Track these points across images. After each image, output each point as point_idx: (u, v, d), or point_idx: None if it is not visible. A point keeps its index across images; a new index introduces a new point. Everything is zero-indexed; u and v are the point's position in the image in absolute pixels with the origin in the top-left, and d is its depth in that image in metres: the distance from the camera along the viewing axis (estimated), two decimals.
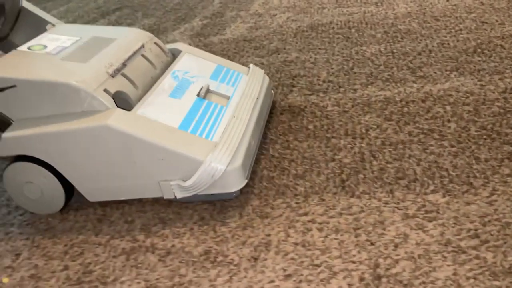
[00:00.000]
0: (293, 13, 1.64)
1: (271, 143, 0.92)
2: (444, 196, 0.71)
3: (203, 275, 0.66)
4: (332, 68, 1.17)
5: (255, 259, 0.67)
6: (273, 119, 1.00)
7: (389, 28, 1.32)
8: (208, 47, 1.50)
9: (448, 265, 0.59)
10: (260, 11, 1.75)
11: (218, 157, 0.73)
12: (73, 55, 0.84)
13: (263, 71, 1.04)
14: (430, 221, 0.67)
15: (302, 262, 0.65)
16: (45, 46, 0.87)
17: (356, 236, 0.67)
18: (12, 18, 0.98)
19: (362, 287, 0.59)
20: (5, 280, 0.69)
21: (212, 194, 0.76)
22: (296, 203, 0.76)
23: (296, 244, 0.68)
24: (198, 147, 0.75)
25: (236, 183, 0.75)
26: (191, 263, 0.68)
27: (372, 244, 0.65)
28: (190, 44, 1.56)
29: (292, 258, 0.65)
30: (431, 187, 0.73)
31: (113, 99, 0.78)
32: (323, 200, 0.75)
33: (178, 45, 1.04)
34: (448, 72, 1.04)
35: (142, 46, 0.92)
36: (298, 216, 0.73)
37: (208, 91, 0.89)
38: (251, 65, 1.04)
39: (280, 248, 0.68)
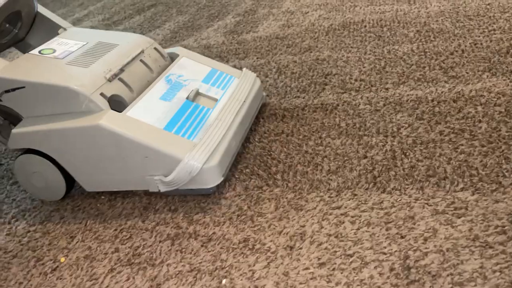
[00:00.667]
0: (325, 10, 1.67)
1: (304, 139, 0.97)
2: (473, 194, 0.73)
3: (243, 261, 0.71)
4: (364, 67, 1.20)
5: (291, 247, 0.71)
6: (306, 116, 1.04)
7: (422, 27, 1.34)
8: (241, 45, 1.55)
9: (475, 259, 0.63)
10: (292, 9, 1.78)
11: (195, 156, 0.81)
12: (77, 60, 0.94)
13: (254, 74, 1.10)
14: (459, 217, 0.70)
15: (335, 251, 0.69)
16: (54, 50, 0.98)
17: (387, 230, 0.70)
18: (28, 22, 1.10)
19: (392, 276, 0.63)
20: (62, 259, 0.76)
21: (191, 189, 0.84)
22: (329, 197, 0.80)
23: (330, 235, 0.72)
24: (178, 147, 0.82)
25: (212, 180, 0.83)
26: (231, 249, 0.73)
27: (402, 237, 0.69)
28: (223, 42, 1.61)
29: (326, 248, 0.70)
30: (461, 185, 0.76)
31: (109, 101, 0.87)
32: (355, 195, 0.79)
33: (177, 50, 1.13)
34: (480, 73, 1.05)
35: (142, 51, 1.00)
36: (331, 210, 0.77)
37: (197, 94, 0.96)
38: (244, 69, 1.10)
39: (314, 239, 0.72)
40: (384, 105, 1.02)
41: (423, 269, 0.63)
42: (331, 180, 0.84)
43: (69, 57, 0.95)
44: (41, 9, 1.13)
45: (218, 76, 1.05)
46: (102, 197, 0.92)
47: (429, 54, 1.19)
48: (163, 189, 0.84)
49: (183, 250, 0.75)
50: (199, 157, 0.81)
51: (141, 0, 2.43)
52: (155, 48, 1.05)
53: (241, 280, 0.68)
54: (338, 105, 1.07)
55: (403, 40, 1.30)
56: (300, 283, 0.65)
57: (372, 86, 1.11)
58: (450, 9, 1.43)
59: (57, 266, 0.76)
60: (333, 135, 0.96)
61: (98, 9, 2.46)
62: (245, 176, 0.90)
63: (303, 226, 0.75)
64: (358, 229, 0.72)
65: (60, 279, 0.74)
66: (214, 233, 0.77)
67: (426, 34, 1.30)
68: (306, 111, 1.07)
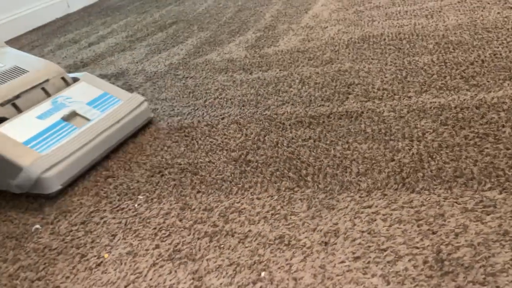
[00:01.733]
0: (343, 25, 1.73)
1: (332, 144, 1.01)
2: (500, 193, 0.76)
3: (280, 255, 0.74)
4: (385, 77, 1.24)
5: (326, 243, 0.75)
6: (332, 123, 1.08)
7: (441, 40, 1.38)
8: (263, 58, 1.61)
9: (506, 252, 0.65)
10: (311, 24, 1.84)
11: (36, 165, 0.98)
12: None
13: (142, 98, 1.24)
14: (488, 214, 0.73)
15: (369, 246, 0.72)
16: None
17: (418, 226, 0.73)
18: None
19: (426, 268, 0.66)
20: (106, 255, 0.80)
21: (36, 193, 1.02)
22: (360, 197, 0.83)
23: (363, 231, 0.75)
24: (25, 157, 0.99)
25: (50, 187, 1.00)
26: (267, 245, 0.77)
27: (434, 233, 0.71)
28: (246, 56, 1.67)
29: (360, 243, 0.73)
30: (488, 185, 0.79)
31: None
32: (385, 195, 0.82)
33: (81, 75, 1.28)
34: (501, 81, 1.09)
35: (47, 80, 1.19)
36: (362, 208, 0.80)
37: (74, 114, 1.13)
38: (133, 93, 1.25)
39: (347, 235, 0.75)
40: (408, 112, 1.06)
41: (456, 261, 0.66)
42: (361, 181, 0.87)
43: None
44: None
45: (106, 99, 1.20)
46: (140, 197, 0.96)
47: (450, 64, 1.23)
48: (17, 191, 1.03)
49: (222, 246, 0.79)
50: (39, 166, 0.98)
51: (162, 18, 2.52)
52: (62, 78, 1.23)
53: (279, 273, 0.71)
54: (362, 112, 1.11)
55: (423, 52, 1.34)
56: (337, 275, 0.68)
57: (394, 94, 1.15)
58: (467, 22, 1.47)
59: (101, 262, 0.80)
60: (359, 140, 1.00)
61: (121, 27, 2.55)
62: (276, 178, 0.94)
63: (336, 224, 0.78)
64: (390, 226, 0.75)
65: (105, 273, 0.77)
66: (250, 230, 0.81)
67: (445, 46, 1.34)
68: (332, 118, 1.11)
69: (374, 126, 1.04)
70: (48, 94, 1.18)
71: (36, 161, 0.98)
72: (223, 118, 1.23)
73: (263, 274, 0.72)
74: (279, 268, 0.72)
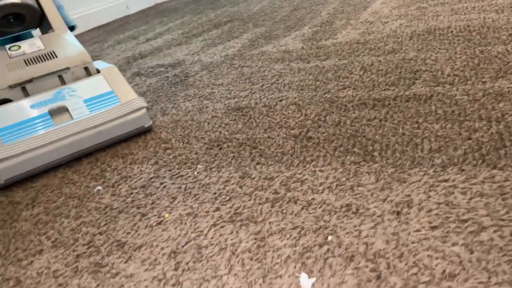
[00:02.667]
0: (405, 20, 1.67)
1: (399, 124, 0.95)
2: None
3: (347, 222, 0.70)
4: (456, 64, 1.18)
5: (398, 213, 0.70)
6: (398, 105, 1.03)
7: None
8: (321, 49, 1.58)
9: None
10: (370, 20, 1.80)
11: None
12: (15, 62, 1.14)
13: (142, 104, 1.14)
14: None
15: (447, 217, 0.66)
16: (19, 47, 1.18)
17: (503, 200, 0.67)
18: (33, 23, 1.28)
19: None
20: (166, 215, 0.79)
21: None
22: (434, 171, 0.78)
23: (439, 203, 0.70)
24: None
25: None
26: (333, 212, 0.73)
27: None
28: (303, 47, 1.65)
29: (437, 214, 0.68)
30: None
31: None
32: (463, 170, 0.76)
33: (106, 67, 1.23)
34: None
35: (66, 68, 1.18)
36: (438, 182, 0.75)
37: (62, 109, 1.09)
38: (138, 97, 1.15)
39: (422, 206, 0.70)
40: (484, 95, 0.99)
41: None
42: (434, 157, 0.81)
43: (17, 58, 1.15)
44: (48, 9, 1.31)
45: (107, 98, 1.13)
46: (199, 166, 0.95)
47: None
48: None
49: (284, 211, 0.75)
50: None
51: (217, 17, 2.56)
52: (85, 68, 1.20)
53: (348, 238, 0.66)
54: (432, 95, 1.05)
55: (495, 42, 1.27)
56: (413, 242, 0.63)
57: (467, 80, 1.08)
58: None
59: (162, 221, 0.78)
60: (430, 120, 0.94)
61: (177, 25, 2.61)
62: (339, 153, 0.89)
63: (409, 196, 0.73)
64: (470, 199, 0.69)
65: (166, 230, 0.76)
66: (313, 199, 0.77)
67: None
68: (398, 101, 1.06)
69: (446, 108, 0.98)
70: (63, 83, 1.16)
71: None
72: (281, 100, 1.21)
73: (330, 237, 0.68)
74: (347, 233, 0.68)
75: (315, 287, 0.59)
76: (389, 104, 1.05)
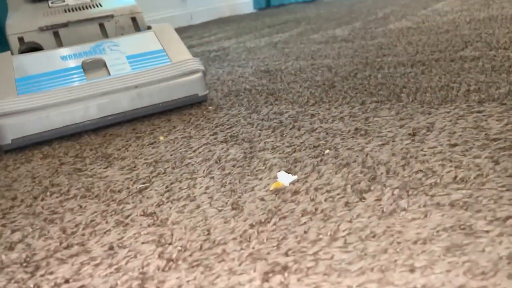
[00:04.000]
0: (466, 12, 1.55)
1: (437, 74, 0.84)
2: None
3: (351, 141, 0.60)
4: None
5: (413, 134, 0.59)
6: (440, 64, 0.91)
7: None
8: (368, 34, 1.49)
9: None
10: (427, 14, 1.70)
11: None
12: (52, 11, 0.99)
13: (198, 67, 0.91)
14: None
15: (474, 137, 0.54)
16: (64, 1, 1.03)
17: None
18: None
19: None
20: (161, 138, 0.73)
21: None
22: (468, 105, 0.65)
23: (466, 128, 0.58)
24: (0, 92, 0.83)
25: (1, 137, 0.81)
26: (338, 135, 0.63)
27: None
28: (349, 34, 1.57)
29: (461, 135, 0.55)
30: None
31: (25, 45, 0.95)
32: (503, 104, 0.63)
33: (159, 25, 1.04)
34: None
35: (110, 16, 1.00)
36: (470, 113, 0.62)
37: (100, 64, 0.89)
38: (194, 58, 0.93)
39: (444, 129, 0.58)
40: None
41: None
42: (471, 96, 0.69)
43: (57, 7, 1.01)
44: None
45: (155, 56, 0.93)
46: (210, 107, 0.89)
47: None
48: None
49: (284, 134, 0.67)
50: None
51: (272, 22, 2.57)
52: (132, 18, 1.02)
53: (348, 151, 0.57)
54: (481, 56, 0.91)
55: None
56: (424, 155, 0.52)
57: None
58: None
59: (155, 142, 0.73)
60: (474, 72, 0.82)
61: (233, 28, 2.64)
62: (362, 95, 0.79)
63: (432, 123, 0.61)
64: (506, 124, 0.56)
65: (155, 148, 0.70)
66: (320, 126, 0.68)
67: None
68: (441, 61, 0.94)
69: (495, 63, 0.85)
70: (105, 36, 0.99)
71: None
72: (312, 65, 1.13)
73: (327, 151, 0.58)
74: (348, 148, 0.58)
75: (296, 186, 0.49)
76: (429, 64, 0.94)
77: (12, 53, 0.92)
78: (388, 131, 0.61)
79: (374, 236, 0.38)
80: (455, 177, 0.46)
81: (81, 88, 0.84)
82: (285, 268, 0.35)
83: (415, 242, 0.36)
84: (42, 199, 0.57)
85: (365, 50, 1.20)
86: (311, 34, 1.74)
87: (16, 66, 0.88)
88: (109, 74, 0.88)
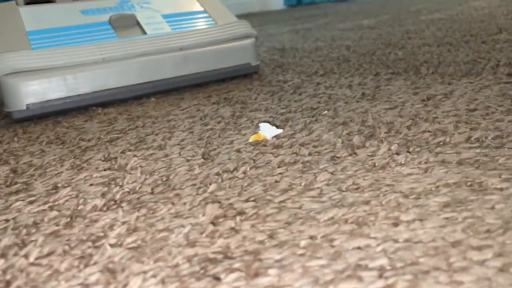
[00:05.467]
0: (505, 8, 1.44)
1: (464, 52, 0.75)
2: None
3: (355, 104, 0.52)
4: None
5: (427, 99, 0.51)
6: (469, 44, 0.83)
7: None
8: (395, 23, 1.41)
9: None
10: (462, 9, 1.59)
11: (6, 59, 0.62)
12: None
13: (249, 30, 0.78)
14: None
15: (500, 105, 0.46)
16: None
17: None
18: None
19: None
20: (153, 99, 0.68)
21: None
22: (496, 77, 0.57)
23: (491, 96, 0.50)
24: (5, 45, 0.66)
25: (12, 103, 0.62)
26: (342, 99, 0.55)
27: None
28: (376, 23, 1.49)
29: (482, 102, 0.48)
30: None
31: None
32: None
33: None
34: None
35: None
36: (496, 84, 0.54)
37: (131, 21, 0.74)
38: (242, 21, 0.80)
39: (464, 96, 0.50)
40: None
41: None
42: (500, 69, 0.61)
43: None
44: None
45: (197, 17, 0.80)
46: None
47: None
48: None
49: (283, 99, 0.60)
50: (7, 63, 0.62)
51: (313, 12, 2.50)
52: None
53: (348, 112, 0.49)
54: None
55: None
56: (436, 117, 0.44)
57: None
58: None
59: (145, 102, 0.68)
60: (506, 51, 0.73)
61: (271, 20, 2.60)
62: (377, 67, 0.72)
63: (451, 92, 0.54)
64: None
65: (144, 107, 0.65)
66: (324, 92, 0.60)
67: None
68: (471, 42, 0.85)
69: None
70: None
71: (10, 53, 0.63)
72: (331, 45, 1.06)
73: (325, 112, 0.51)
74: (349, 110, 0.51)
75: (279, 140, 0.42)
76: (458, 44, 0.85)
77: (17, 3, 0.79)
78: (399, 97, 0.54)
79: (357, 188, 0.31)
80: (469, 137, 0.38)
81: (114, 46, 0.68)
82: (240, 213, 0.29)
83: (406, 196, 0.29)
84: (8, 143, 0.53)
85: (390, 34, 1.12)
86: (337, 23, 1.66)
87: (25, 18, 0.73)
88: (144, 33, 0.74)
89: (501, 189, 0.28)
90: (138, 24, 0.76)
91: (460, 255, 0.22)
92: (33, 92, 0.62)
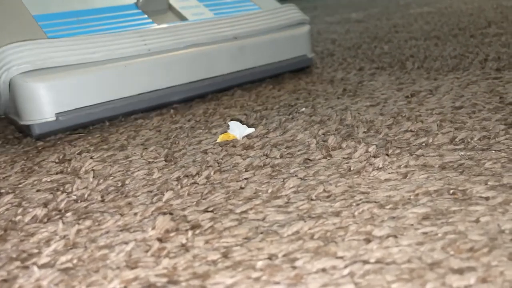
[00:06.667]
0: (495, 3, 1.42)
1: (451, 47, 0.73)
2: None
3: (336, 102, 0.49)
4: None
5: (411, 96, 0.48)
6: (457, 39, 0.80)
7: None
8: (383, 16, 1.38)
9: None
10: (451, 2, 1.57)
11: (14, 51, 0.46)
12: None
13: (303, 15, 0.67)
14: None
15: (487, 102, 0.44)
16: None
17: None
18: None
19: None
20: None
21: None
22: (484, 72, 0.54)
23: (477, 92, 0.47)
24: (11, 33, 0.49)
25: (30, 112, 0.46)
26: (322, 95, 0.52)
27: None
28: (364, 16, 1.46)
29: (468, 99, 0.45)
30: None
31: None
32: None
33: None
34: None
35: None
36: (484, 80, 0.51)
37: (157, 2, 0.60)
38: (283, 6, 0.67)
39: (449, 92, 0.47)
40: None
41: None
42: (488, 64, 0.58)
43: None
44: None
45: (236, 1, 0.67)
46: None
47: None
48: None
49: (260, 94, 0.56)
50: (24, 58, 0.45)
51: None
52: None
53: (328, 109, 0.46)
54: (505, 33, 0.80)
55: None
56: (419, 115, 0.41)
57: None
58: None
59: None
60: (495, 45, 0.70)
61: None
62: (361, 61, 0.69)
63: (436, 87, 0.51)
64: None
65: None
66: (304, 88, 0.57)
67: None
68: (459, 37, 0.82)
69: None
70: None
71: (19, 46, 0.47)
72: (315, 38, 1.03)
73: (303, 109, 0.47)
74: (329, 108, 0.47)
75: (250, 140, 0.39)
76: (445, 38, 0.83)
77: None
78: (382, 94, 0.51)
79: (328, 197, 0.28)
80: (453, 138, 0.35)
81: (157, 34, 0.53)
82: (194, 227, 0.26)
83: (381, 206, 0.26)
84: None
85: (378, 28, 1.09)
86: (325, 17, 1.63)
87: (32, 3, 0.55)
88: (185, 18, 0.60)
89: (487, 198, 0.25)
90: (171, 8, 0.62)
91: (438, 280, 0.19)
92: (65, 97, 0.46)
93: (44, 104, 0.45)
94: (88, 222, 0.27)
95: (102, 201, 0.30)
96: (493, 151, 0.31)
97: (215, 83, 0.57)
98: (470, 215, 0.24)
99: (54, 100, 0.46)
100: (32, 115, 0.45)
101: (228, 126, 0.41)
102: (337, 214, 0.25)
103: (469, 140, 0.34)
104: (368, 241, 0.22)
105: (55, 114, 0.46)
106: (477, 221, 0.23)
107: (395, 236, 0.22)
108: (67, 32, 0.52)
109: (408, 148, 0.34)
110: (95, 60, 0.49)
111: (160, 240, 0.24)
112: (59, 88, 0.46)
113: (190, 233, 0.24)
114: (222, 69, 0.57)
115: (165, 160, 0.37)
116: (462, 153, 0.32)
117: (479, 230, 0.22)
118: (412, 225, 0.23)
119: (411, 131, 0.37)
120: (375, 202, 0.26)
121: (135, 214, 0.28)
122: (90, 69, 0.48)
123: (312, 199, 0.27)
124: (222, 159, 0.36)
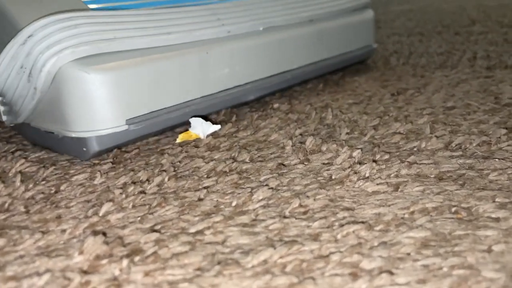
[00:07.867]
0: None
1: (447, 45, 0.69)
2: None
3: (315, 99, 0.44)
4: None
5: (397, 93, 0.44)
6: (459, 33, 0.77)
7: None
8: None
9: None
10: (432, 1, 1.55)
11: (55, 29, 0.31)
12: None
13: (368, 2, 0.60)
14: None
15: (481, 102, 0.39)
16: None
17: None
18: None
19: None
20: None
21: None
22: (474, 71, 0.50)
23: (469, 91, 0.43)
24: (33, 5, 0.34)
25: (79, 122, 0.31)
26: (299, 92, 0.48)
27: None
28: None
29: (461, 98, 0.41)
30: None
31: None
32: None
33: None
34: None
35: None
36: (475, 78, 0.47)
37: None
38: None
39: (439, 90, 0.43)
40: None
41: None
42: (479, 62, 0.55)
43: None
44: None
45: None
46: None
47: None
48: None
49: None
50: (72, 34, 0.31)
51: None
52: None
53: (306, 106, 0.41)
54: None
55: None
56: (408, 116, 0.37)
57: None
58: None
59: None
60: (496, 44, 0.67)
61: None
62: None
63: (425, 85, 0.47)
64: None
65: None
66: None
67: None
68: (460, 33, 0.80)
69: (506, 36, 0.70)
70: None
71: (71, 17, 0.32)
72: None
73: (276, 105, 0.42)
74: (307, 105, 0.42)
75: (216, 140, 0.34)
76: (429, 35, 0.79)
77: None
78: (365, 90, 0.46)
79: (305, 213, 0.23)
80: (449, 142, 0.31)
81: (231, 12, 0.41)
82: (133, 252, 0.20)
83: (370, 227, 0.21)
84: None
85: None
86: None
87: None
88: None
89: (497, 220, 0.21)
90: None
91: None
92: (139, 95, 0.32)
93: (113, 107, 0.30)
94: (1, 242, 0.22)
95: (26, 212, 0.25)
96: (496, 159, 0.27)
97: (294, 77, 0.45)
98: (480, 242, 0.19)
99: (126, 101, 0.31)
100: (92, 123, 0.30)
101: (189, 123, 0.35)
102: (315, 237, 0.20)
103: (467, 145, 0.30)
104: (355, 276, 0.18)
105: (126, 120, 0.31)
106: (489, 250, 0.19)
107: (390, 272, 0.18)
108: (111, 4, 0.36)
109: (398, 153, 0.29)
110: (172, 43, 0.35)
111: (84, 272, 0.19)
112: (132, 82, 0.31)
113: (125, 261, 0.19)
114: (303, 59, 0.45)
115: (112, 162, 0.31)
116: (461, 161, 0.27)
117: (494, 264, 0.18)
118: (409, 254, 0.19)
119: (400, 133, 0.33)
120: (362, 222, 0.21)
121: (62, 231, 0.22)
122: (167, 56, 0.34)
123: (285, 217, 0.22)
124: (180, 162, 0.30)
